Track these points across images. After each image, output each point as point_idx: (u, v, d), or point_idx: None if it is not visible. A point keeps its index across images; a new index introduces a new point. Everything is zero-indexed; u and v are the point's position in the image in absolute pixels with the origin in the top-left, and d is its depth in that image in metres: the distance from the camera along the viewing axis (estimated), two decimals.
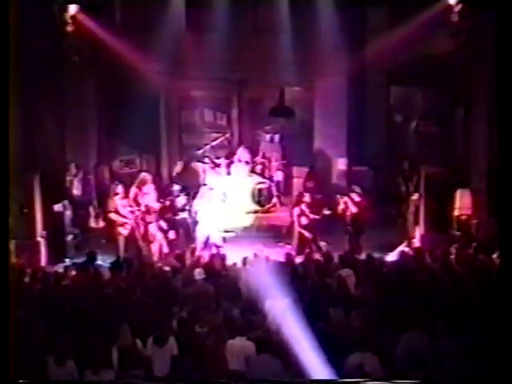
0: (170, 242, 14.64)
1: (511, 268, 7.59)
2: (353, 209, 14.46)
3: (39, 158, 14.21)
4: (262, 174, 16.66)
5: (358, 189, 14.81)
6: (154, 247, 14.52)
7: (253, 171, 16.57)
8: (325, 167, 17.45)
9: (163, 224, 14.72)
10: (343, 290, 10.67)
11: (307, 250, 13.72)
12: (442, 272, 11.39)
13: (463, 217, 14.57)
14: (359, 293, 10.73)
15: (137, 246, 14.44)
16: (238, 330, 9.04)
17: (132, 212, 14.51)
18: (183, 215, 15.42)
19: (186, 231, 15.36)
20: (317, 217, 14.44)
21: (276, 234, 15.61)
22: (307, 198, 14.62)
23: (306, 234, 14.40)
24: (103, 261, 13.22)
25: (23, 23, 12.69)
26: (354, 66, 16.39)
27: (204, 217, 14.97)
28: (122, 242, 14.45)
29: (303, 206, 14.51)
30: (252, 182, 16.31)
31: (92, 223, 15.54)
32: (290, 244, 14.90)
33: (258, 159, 16.91)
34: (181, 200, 15.69)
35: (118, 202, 14.51)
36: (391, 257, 13.30)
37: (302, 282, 11.00)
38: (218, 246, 14.32)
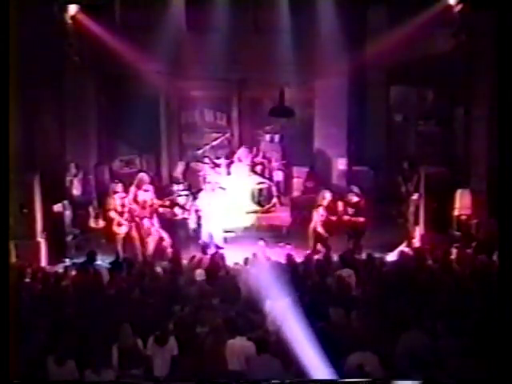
0: (169, 242, 14.65)
1: (511, 268, 7.60)
2: (350, 210, 14.46)
3: (39, 158, 14.21)
4: (262, 174, 16.64)
5: (356, 189, 14.80)
6: (154, 247, 14.54)
7: (253, 171, 16.56)
8: (325, 167, 17.45)
9: (163, 224, 14.74)
10: (343, 290, 10.67)
11: (323, 249, 13.76)
12: (442, 272, 11.39)
13: (463, 217, 14.56)
14: (359, 293, 10.73)
15: (136, 246, 14.44)
16: (238, 330, 9.04)
17: (131, 211, 14.51)
18: (183, 215, 15.42)
19: (186, 231, 15.36)
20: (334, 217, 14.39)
21: (276, 233, 15.61)
22: (328, 197, 14.57)
23: (324, 234, 14.32)
24: (103, 261, 13.22)
25: (23, 23, 12.68)
26: (354, 65, 16.40)
27: (204, 217, 14.98)
28: (120, 241, 14.46)
29: (321, 208, 14.47)
30: (252, 182, 16.30)
31: (92, 223, 15.53)
32: (289, 244, 14.90)
33: (258, 159, 16.90)
34: (181, 200, 15.70)
35: (117, 201, 14.52)
36: (391, 257, 13.29)
37: (303, 282, 11.00)
38: (218, 247, 14.34)
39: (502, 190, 8.26)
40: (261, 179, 16.47)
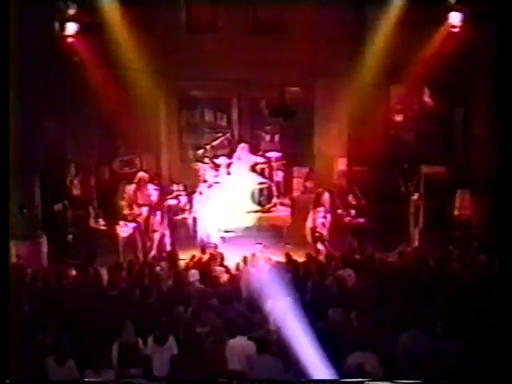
0: (169, 242, 14.67)
1: (511, 268, 7.60)
2: (350, 211, 14.49)
3: (39, 158, 14.21)
4: (262, 174, 16.65)
5: (356, 190, 14.82)
6: (153, 246, 14.56)
7: (253, 171, 16.55)
8: (325, 167, 17.44)
9: (162, 223, 14.76)
10: (343, 290, 10.67)
11: (322, 248, 13.77)
12: (442, 272, 11.39)
13: (463, 217, 14.56)
14: (359, 293, 10.73)
15: (136, 246, 14.45)
16: (239, 330, 9.04)
17: (131, 211, 14.54)
18: (183, 215, 15.42)
19: (186, 231, 15.36)
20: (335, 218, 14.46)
21: (276, 233, 15.60)
22: (327, 197, 14.62)
23: (325, 234, 14.38)
24: (103, 261, 13.23)
25: (23, 23, 12.68)
26: (354, 65, 16.38)
27: (204, 217, 14.99)
28: (121, 241, 14.49)
29: (322, 208, 14.50)
30: (252, 182, 16.30)
31: (92, 223, 15.54)
32: (289, 244, 14.91)
33: (258, 159, 16.89)
34: (181, 200, 15.70)
35: (123, 202, 14.60)
36: (391, 257, 13.29)
37: (303, 281, 11.00)
38: (217, 247, 14.33)
39: (501, 189, 8.25)
40: (261, 179, 16.47)
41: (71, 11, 15.16)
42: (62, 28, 15.16)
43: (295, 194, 16.99)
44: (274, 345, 8.72)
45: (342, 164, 17.34)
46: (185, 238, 15.23)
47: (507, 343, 7.18)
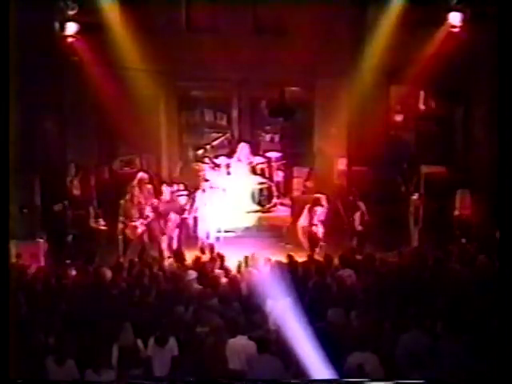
0: (169, 242, 14.67)
1: (511, 268, 7.59)
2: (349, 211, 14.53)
3: (39, 158, 14.22)
4: (262, 174, 16.65)
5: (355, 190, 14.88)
6: (154, 247, 14.56)
7: (253, 171, 16.55)
8: (325, 167, 17.43)
9: (162, 224, 14.76)
10: (343, 290, 10.67)
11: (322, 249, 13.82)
12: (442, 272, 11.39)
13: (463, 217, 14.56)
14: (359, 293, 10.73)
15: (138, 246, 14.46)
16: (239, 330, 9.04)
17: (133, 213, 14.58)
18: (183, 215, 15.41)
19: (186, 231, 15.36)
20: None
21: (276, 233, 15.60)
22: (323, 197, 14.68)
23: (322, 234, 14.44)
24: (103, 261, 13.22)
25: (23, 23, 12.68)
26: (354, 65, 16.38)
27: (204, 217, 14.98)
28: (121, 242, 14.50)
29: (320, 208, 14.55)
30: (252, 182, 16.29)
31: (92, 223, 15.53)
32: (289, 244, 14.91)
33: (258, 159, 16.89)
34: (181, 200, 15.69)
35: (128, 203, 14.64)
36: (391, 257, 13.29)
37: (303, 282, 11.00)
38: (215, 246, 14.32)
39: (501, 189, 8.25)
40: (261, 179, 16.47)
41: (71, 11, 15.16)
42: (62, 28, 15.17)
43: (295, 193, 16.99)
44: (274, 345, 8.72)
45: (341, 164, 17.34)
46: (185, 238, 15.21)
47: (507, 343, 7.18)
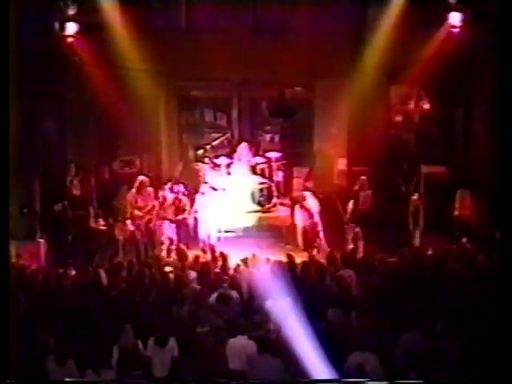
0: (170, 243, 14.67)
1: (511, 268, 7.59)
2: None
3: (39, 158, 14.21)
4: (262, 174, 16.65)
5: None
6: (155, 247, 14.57)
7: (253, 171, 16.55)
8: (325, 167, 17.44)
9: (163, 224, 14.77)
10: (343, 291, 10.67)
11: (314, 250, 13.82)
12: (442, 272, 11.39)
13: (463, 217, 14.56)
14: (359, 293, 10.73)
15: (138, 247, 14.47)
16: (239, 330, 9.04)
17: (132, 213, 14.58)
18: (183, 215, 15.41)
19: (186, 231, 15.35)
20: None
21: (276, 233, 15.60)
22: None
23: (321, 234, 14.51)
24: (103, 261, 13.23)
25: (23, 23, 12.68)
26: (354, 65, 16.38)
27: (204, 217, 14.98)
28: (121, 242, 14.51)
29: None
30: (252, 182, 16.29)
31: (92, 223, 15.53)
32: (289, 244, 14.91)
33: (258, 159, 16.90)
34: (181, 200, 15.69)
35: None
36: (391, 257, 13.29)
37: (302, 282, 11.00)
38: (216, 246, 14.32)
39: (501, 189, 8.25)
40: (261, 179, 16.47)
41: (71, 11, 15.16)
42: (62, 28, 15.16)
43: (295, 193, 16.99)
44: (275, 345, 8.72)
45: (341, 164, 17.34)
46: (186, 238, 15.21)
47: (507, 343, 7.18)
